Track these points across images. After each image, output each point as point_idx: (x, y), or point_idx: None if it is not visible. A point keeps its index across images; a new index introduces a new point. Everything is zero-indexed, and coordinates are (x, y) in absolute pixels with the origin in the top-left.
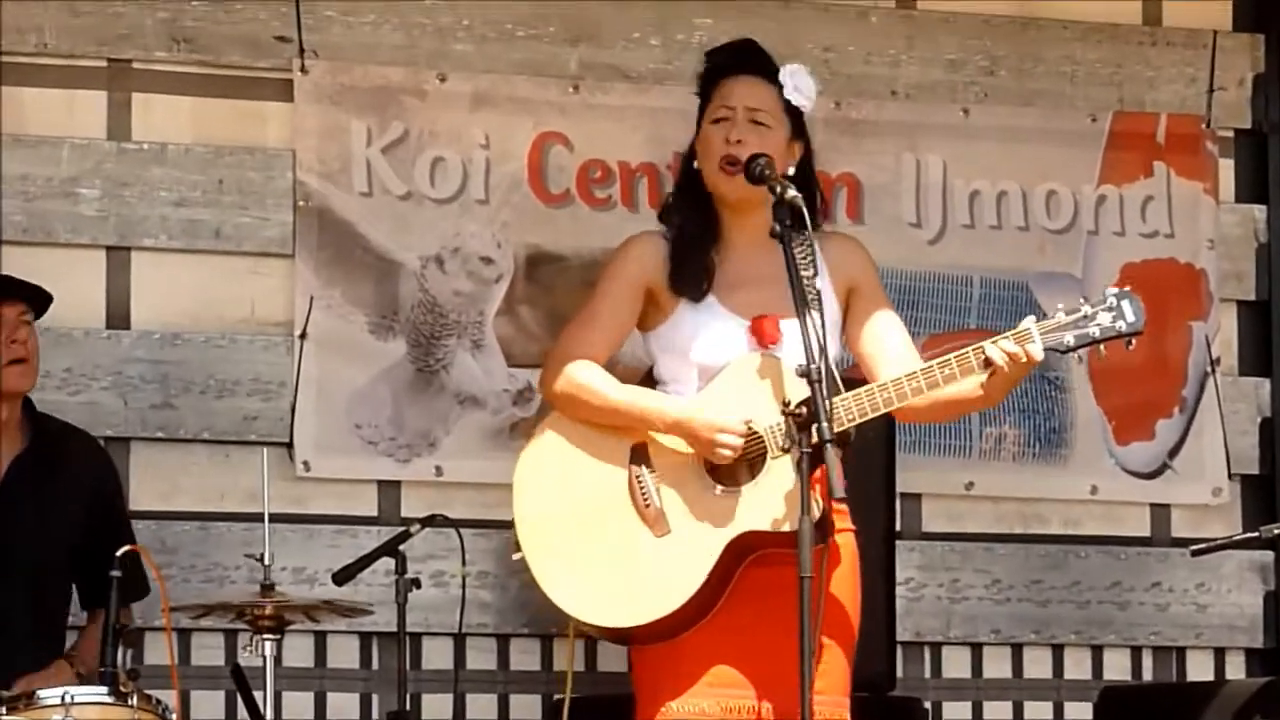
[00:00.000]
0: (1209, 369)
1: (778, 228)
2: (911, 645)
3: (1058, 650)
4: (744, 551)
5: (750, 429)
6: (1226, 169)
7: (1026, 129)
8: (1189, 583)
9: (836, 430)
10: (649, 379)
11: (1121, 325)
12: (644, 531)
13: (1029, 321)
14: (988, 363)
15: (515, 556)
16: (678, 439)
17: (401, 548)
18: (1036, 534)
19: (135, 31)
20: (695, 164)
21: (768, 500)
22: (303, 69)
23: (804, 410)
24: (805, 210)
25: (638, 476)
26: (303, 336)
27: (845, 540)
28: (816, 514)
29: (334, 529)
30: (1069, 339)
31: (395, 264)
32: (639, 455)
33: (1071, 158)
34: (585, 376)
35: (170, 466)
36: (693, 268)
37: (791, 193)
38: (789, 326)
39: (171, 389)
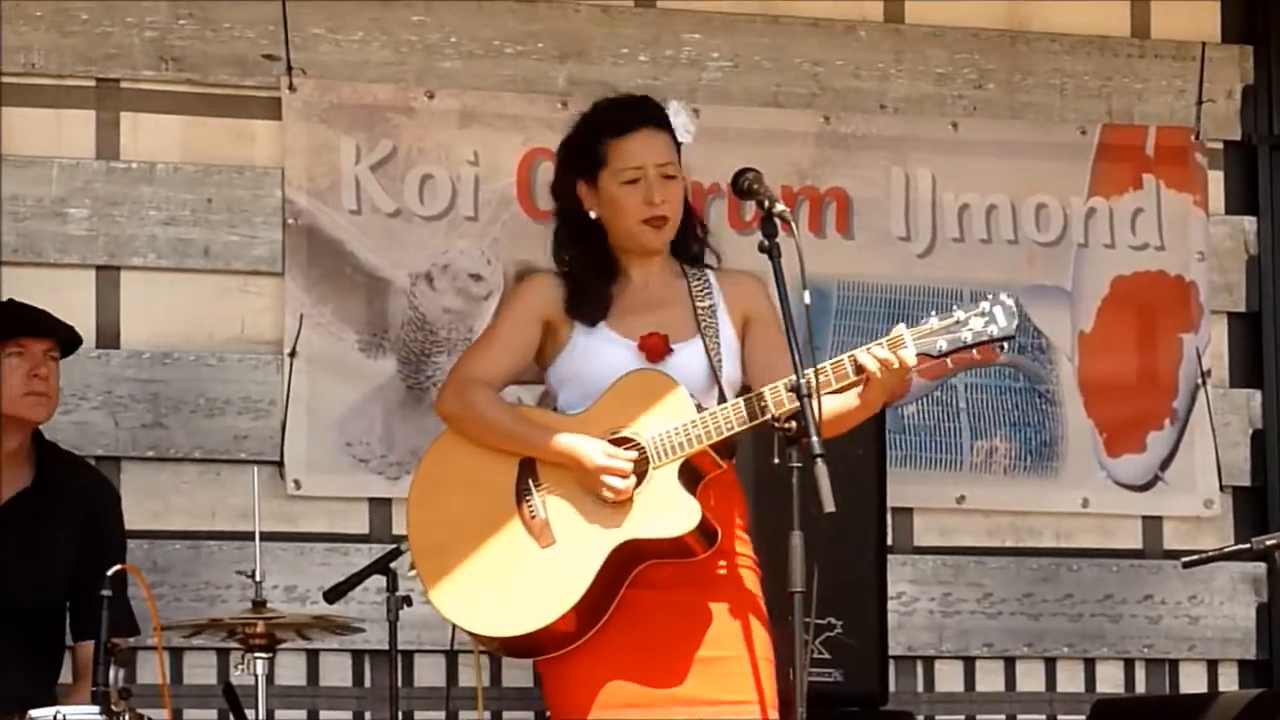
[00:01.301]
0: (1200, 381)
1: (766, 242)
2: (904, 659)
3: (1050, 663)
4: (629, 560)
5: (633, 441)
6: (1216, 181)
7: (1015, 142)
8: (1181, 595)
9: (716, 439)
10: None
11: (993, 330)
12: (530, 543)
13: (901, 327)
14: (860, 369)
15: (411, 573)
16: None
17: (393, 565)
18: (1028, 547)
19: (123, 51)
20: (593, 215)
21: (650, 509)
22: (291, 87)
23: (792, 424)
24: (793, 223)
25: (524, 489)
26: (293, 355)
27: (746, 575)
28: (700, 528)
29: (325, 547)
30: (941, 344)
31: (385, 281)
32: (527, 468)
33: (1061, 170)
34: (477, 400)
35: (161, 486)
36: (590, 294)
37: (780, 207)
38: (681, 347)
39: (162, 408)
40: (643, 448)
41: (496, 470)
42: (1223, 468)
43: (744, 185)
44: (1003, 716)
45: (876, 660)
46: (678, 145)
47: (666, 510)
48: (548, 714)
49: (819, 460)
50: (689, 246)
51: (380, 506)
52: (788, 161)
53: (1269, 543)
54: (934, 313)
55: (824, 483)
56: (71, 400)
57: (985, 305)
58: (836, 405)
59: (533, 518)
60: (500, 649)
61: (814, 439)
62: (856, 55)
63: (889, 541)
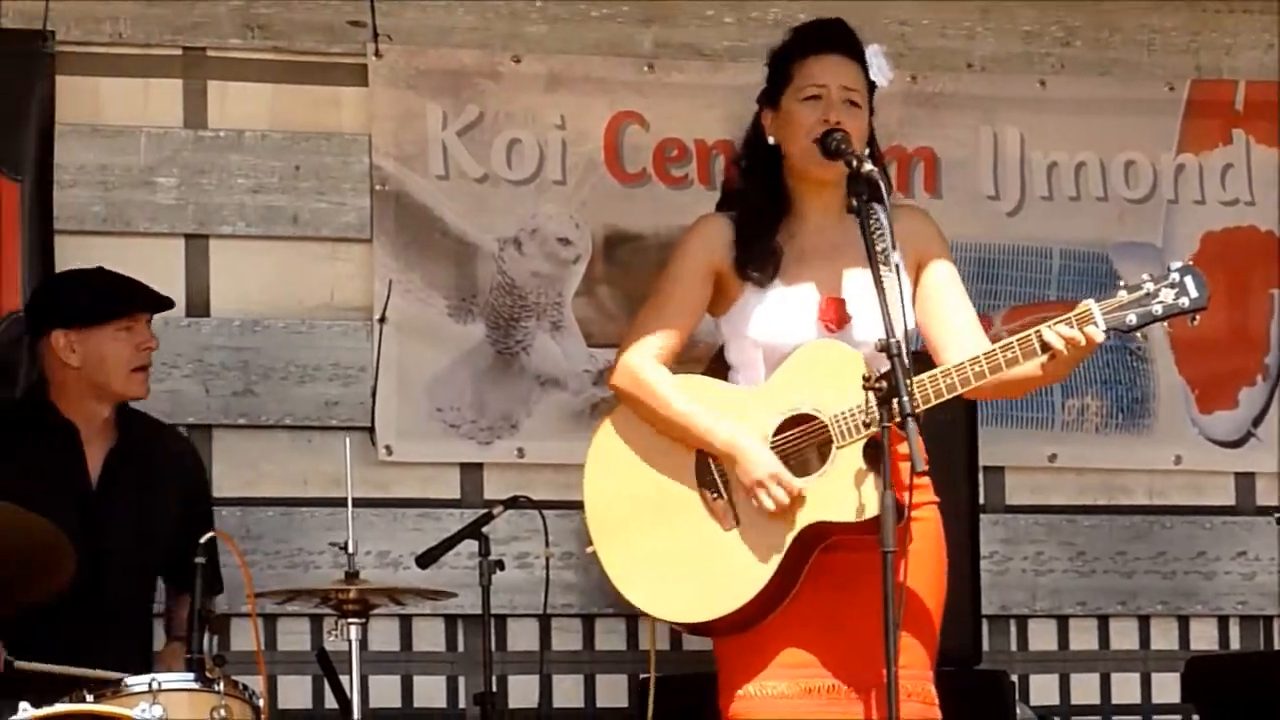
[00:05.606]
0: None
1: (854, 202)
2: (997, 618)
3: (1144, 621)
4: (814, 540)
5: (815, 419)
6: None
7: (1104, 99)
8: (1275, 551)
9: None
10: (719, 360)
11: (1184, 301)
12: (712, 525)
13: (1090, 302)
14: (1045, 346)
15: (589, 550)
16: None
17: (484, 530)
18: (1121, 505)
19: (209, 19)
20: (771, 140)
21: (835, 490)
22: (377, 53)
23: (884, 384)
24: (883, 184)
25: (704, 470)
26: (382, 321)
27: (929, 513)
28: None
29: (417, 512)
30: (1131, 318)
31: (473, 246)
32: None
33: (1149, 127)
34: (650, 381)
35: (253, 453)
36: (759, 251)
37: (868, 167)
38: (859, 303)
39: (252, 375)
40: (825, 425)
41: (673, 448)
42: None
43: (832, 145)
44: (1097, 675)
45: (970, 619)
46: (871, 85)
47: (852, 492)
48: (643, 676)
49: (910, 420)
50: (862, 184)
51: (471, 471)
52: (874, 121)
53: None
54: (1121, 283)
55: (915, 441)
56: (162, 369)
57: (1175, 275)
58: (1018, 374)
59: (715, 500)
60: (682, 629)
61: (904, 398)
62: (943, 14)
63: (981, 500)
